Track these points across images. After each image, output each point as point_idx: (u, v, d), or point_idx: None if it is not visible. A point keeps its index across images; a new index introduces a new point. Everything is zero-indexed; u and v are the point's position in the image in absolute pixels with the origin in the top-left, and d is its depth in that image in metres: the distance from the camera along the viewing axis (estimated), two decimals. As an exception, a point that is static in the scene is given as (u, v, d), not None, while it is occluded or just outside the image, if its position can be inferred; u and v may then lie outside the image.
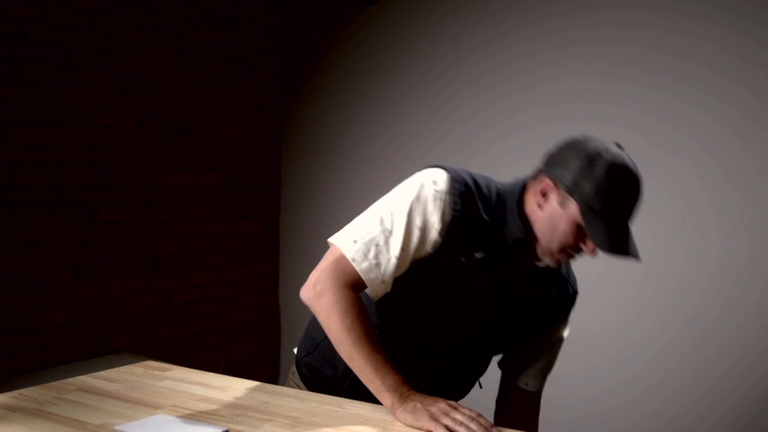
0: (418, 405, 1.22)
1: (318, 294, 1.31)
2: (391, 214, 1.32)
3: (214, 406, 1.34)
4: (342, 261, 1.31)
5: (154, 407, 1.33)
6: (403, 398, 1.24)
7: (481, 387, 1.62)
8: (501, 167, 3.06)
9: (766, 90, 2.47)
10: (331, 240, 1.36)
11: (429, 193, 1.31)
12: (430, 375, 1.46)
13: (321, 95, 3.59)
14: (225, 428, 1.21)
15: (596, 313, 2.76)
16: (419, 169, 1.39)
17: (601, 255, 1.29)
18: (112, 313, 2.94)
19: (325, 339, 1.40)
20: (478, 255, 1.34)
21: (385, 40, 3.37)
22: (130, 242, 3.00)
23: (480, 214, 1.33)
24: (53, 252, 2.72)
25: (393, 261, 1.30)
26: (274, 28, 3.68)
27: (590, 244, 1.29)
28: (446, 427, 1.17)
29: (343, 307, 1.29)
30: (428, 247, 1.32)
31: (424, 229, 1.31)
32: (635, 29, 2.69)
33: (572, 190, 1.27)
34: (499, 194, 1.37)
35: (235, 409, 1.32)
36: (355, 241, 1.31)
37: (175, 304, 3.21)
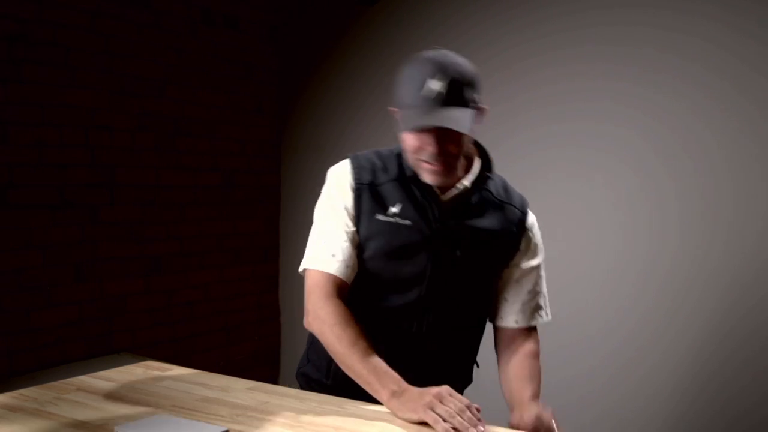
0: (414, 395, 1.26)
1: (311, 319, 1.45)
2: (322, 215, 1.51)
3: (214, 406, 1.34)
4: (314, 277, 1.45)
5: (154, 407, 1.33)
6: (398, 393, 1.28)
7: (478, 366, 1.63)
8: (502, 168, 3.07)
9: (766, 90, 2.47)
10: (300, 270, 1.51)
11: (334, 180, 1.51)
12: (415, 353, 1.48)
13: (321, 95, 3.59)
14: (225, 428, 1.21)
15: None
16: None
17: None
18: (112, 313, 2.94)
19: (312, 345, 1.58)
20: (394, 209, 1.46)
21: (385, 40, 3.37)
22: (130, 242, 3.00)
23: (382, 176, 1.48)
24: (53, 252, 2.72)
25: (342, 243, 1.45)
26: (274, 28, 3.68)
27: (416, 137, 1.37)
28: (440, 416, 1.20)
29: (330, 321, 1.40)
30: (351, 221, 1.47)
31: (344, 208, 1.48)
32: (636, 29, 2.69)
33: (394, 106, 1.41)
34: (399, 153, 1.50)
35: (235, 409, 1.32)
36: (311, 255, 1.48)
37: (175, 304, 3.21)
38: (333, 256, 1.44)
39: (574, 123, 2.84)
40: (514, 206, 1.53)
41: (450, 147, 1.37)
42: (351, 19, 3.48)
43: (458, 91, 1.34)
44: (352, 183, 1.48)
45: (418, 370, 1.41)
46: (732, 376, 2.56)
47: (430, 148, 1.36)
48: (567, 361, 2.86)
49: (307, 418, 1.27)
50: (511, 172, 2.97)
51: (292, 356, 3.44)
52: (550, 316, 1.58)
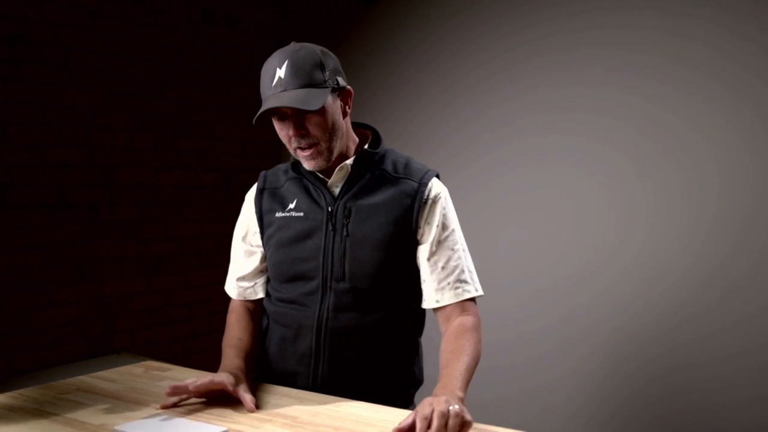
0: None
1: None
2: (233, 238, 1.69)
3: (214, 406, 1.34)
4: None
5: (154, 407, 1.33)
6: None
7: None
8: (503, 167, 3.07)
9: (765, 89, 2.47)
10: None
11: (247, 196, 1.67)
12: (336, 345, 1.50)
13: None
14: (225, 428, 1.21)
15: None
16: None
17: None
18: (112, 313, 2.94)
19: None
20: (291, 205, 1.55)
21: (385, 40, 3.37)
22: (130, 242, 3.00)
23: (282, 178, 1.60)
24: (53, 252, 2.72)
25: (236, 259, 1.66)
26: (274, 28, 3.68)
27: (278, 126, 1.47)
28: None
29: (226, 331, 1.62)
30: (254, 227, 1.61)
31: (243, 217, 1.65)
32: (636, 32, 2.69)
33: None
34: None
35: (235, 409, 1.32)
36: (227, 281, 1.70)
37: (175, 304, 3.21)
38: (231, 276, 1.67)
39: (575, 123, 2.84)
40: (411, 179, 1.51)
41: (310, 129, 1.43)
42: (351, 19, 3.48)
43: (301, 72, 1.40)
44: (255, 191, 1.63)
45: (336, 360, 1.49)
46: (736, 374, 2.56)
47: (288, 132, 1.44)
48: (565, 357, 2.86)
49: (307, 418, 1.27)
50: (512, 172, 2.98)
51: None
52: (479, 291, 1.52)
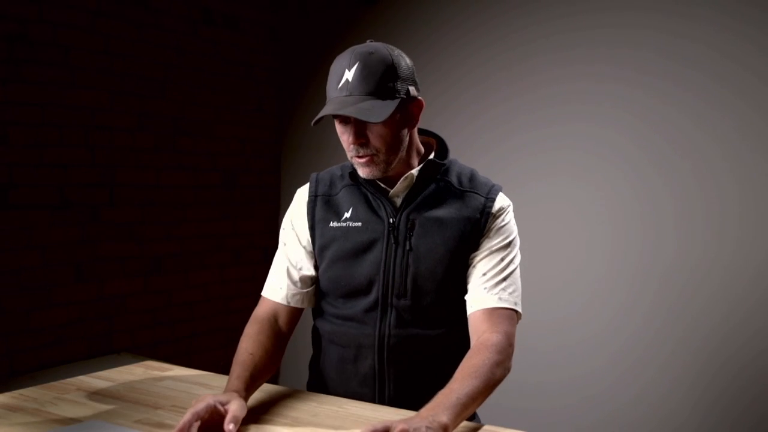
0: None
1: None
2: (280, 241, 1.55)
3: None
4: (261, 302, 1.54)
5: (154, 407, 1.33)
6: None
7: None
8: (503, 168, 3.07)
9: (765, 88, 2.47)
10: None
11: (294, 199, 1.56)
12: (390, 361, 1.41)
13: (321, 95, 3.57)
14: None
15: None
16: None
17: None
18: (112, 313, 2.94)
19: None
20: (347, 214, 1.46)
21: (385, 40, 3.35)
22: (130, 242, 3.00)
23: (339, 184, 1.49)
24: (53, 252, 2.72)
25: (283, 266, 1.51)
26: (274, 28, 3.68)
27: (339, 129, 1.39)
28: None
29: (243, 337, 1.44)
30: (306, 235, 1.49)
31: (292, 225, 1.52)
32: (638, 32, 2.69)
33: None
34: None
35: (235, 409, 1.32)
36: (266, 283, 1.55)
37: (175, 304, 3.21)
38: (275, 280, 1.52)
39: (575, 124, 2.84)
40: (478, 194, 1.45)
41: (371, 139, 1.35)
42: (351, 19, 3.48)
43: (371, 79, 1.33)
44: (306, 197, 1.51)
45: (402, 380, 1.40)
46: (735, 374, 2.56)
47: (348, 138, 1.37)
48: (572, 361, 2.86)
49: (307, 418, 1.27)
50: (512, 173, 2.98)
51: (291, 356, 3.43)
52: (518, 308, 1.39)
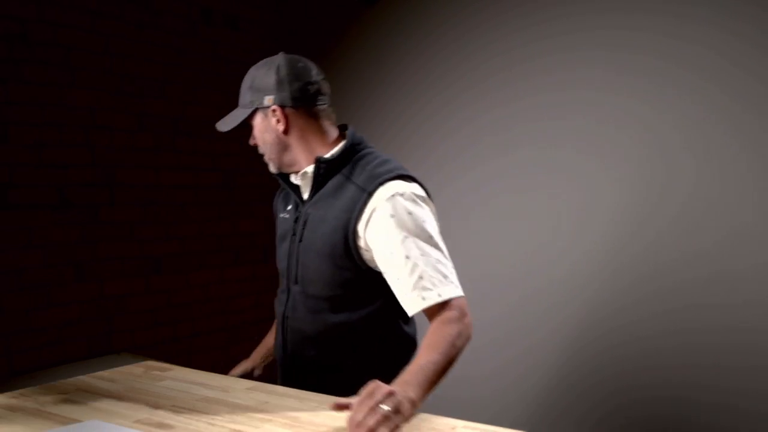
0: None
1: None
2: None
3: (214, 406, 1.34)
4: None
5: (154, 407, 1.33)
6: None
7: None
8: (504, 167, 3.07)
9: (764, 88, 2.47)
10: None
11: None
12: (301, 347, 1.59)
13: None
14: None
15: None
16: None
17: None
18: (112, 313, 2.94)
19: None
20: (288, 208, 1.66)
21: (385, 40, 3.37)
22: (130, 242, 3.00)
23: (285, 184, 1.66)
24: (53, 252, 2.72)
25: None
26: (274, 28, 3.68)
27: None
28: None
29: None
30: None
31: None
32: (638, 34, 2.69)
33: None
34: None
35: (235, 409, 1.32)
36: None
37: (175, 304, 3.21)
38: None
39: (575, 125, 2.84)
40: (360, 186, 1.46)
41: (257, 141, 1.65)
42: (351, 19, 3.48)
43: (242, 91, 1.61)
44: (278, 192, 1.80)
45: (307, 363, 1.57)
46: (736, 373, 2.56)
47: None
48: (571, 361, 2.86)
49: (307, 418, 1.27)
50: (512, 173, 2.98)
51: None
52: (445, 295, 1.38)
